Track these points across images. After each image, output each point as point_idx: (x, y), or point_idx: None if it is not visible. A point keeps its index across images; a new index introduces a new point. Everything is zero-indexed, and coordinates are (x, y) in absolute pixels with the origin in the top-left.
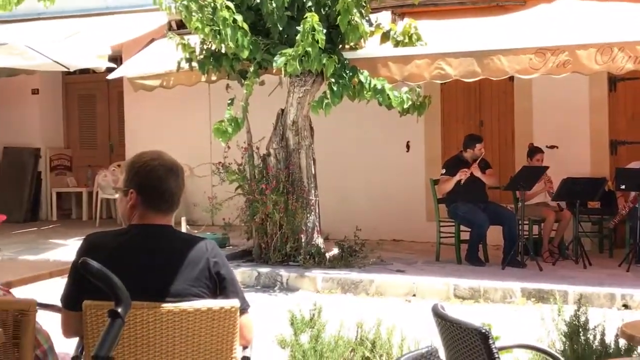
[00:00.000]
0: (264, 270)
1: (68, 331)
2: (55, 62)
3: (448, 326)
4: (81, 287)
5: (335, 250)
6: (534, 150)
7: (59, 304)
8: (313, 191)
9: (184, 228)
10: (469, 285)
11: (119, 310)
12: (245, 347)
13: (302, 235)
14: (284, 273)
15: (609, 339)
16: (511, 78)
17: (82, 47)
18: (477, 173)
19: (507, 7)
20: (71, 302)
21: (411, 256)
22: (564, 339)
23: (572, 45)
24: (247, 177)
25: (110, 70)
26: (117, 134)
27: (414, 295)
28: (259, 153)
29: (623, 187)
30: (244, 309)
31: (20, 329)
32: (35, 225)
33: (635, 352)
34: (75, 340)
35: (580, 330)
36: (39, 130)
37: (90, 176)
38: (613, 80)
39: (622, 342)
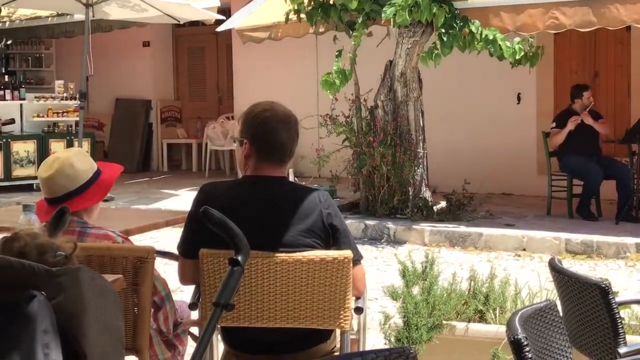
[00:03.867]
0: (371, 222)
1: (184, 278)
2: (166, 14)
3: (566, 280)
4: (198, 235)
5: (443, 204)
6: None
7: (176, 251)
8: (421, 144)
9: (291, 180)
10: (581, 240)
11: (239, 258)
12: (357, 298)
13: (409, 188)
14: (391, 226)
15: None
16: (628, 28)
17: None
18: (589, 120)
19: None
20: (188, 250)
21: (521, 210)
22: None
23: None
24: (354, 130)
25: (219, 22)
26: (226, 86)
27: (524, 249)
28: (366, 105)
29: None
30: (356, 260)
31: (139, 275)
32: (147, 175)
33: None
34: (191, 288)
35: None
36: (149, 82)
37: (199, 128)
38: None
39: None
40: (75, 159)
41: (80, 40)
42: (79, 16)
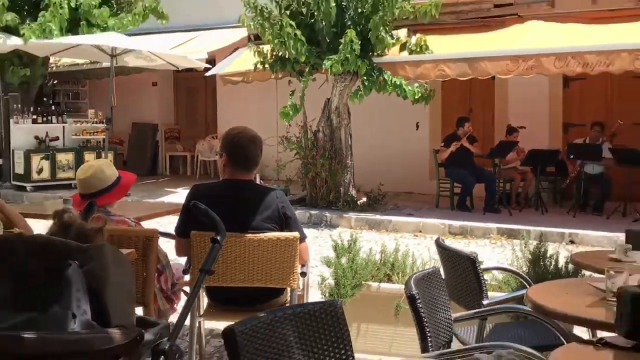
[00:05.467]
0: (314, 212)
1: (180, 252)
2: (169, 63)
3: (447, 253)
4: (189, 221)
5: (364, 199)
6: (512, 129)
7: (174, 232)
8: (349, 157)
9: (258, 181)
10: (460, 225)
11: (218, 238)
12: (302, 265)
13: (341, 188)
14: (328, 214)
15: (561, 265)
16: (493, 77)
17: (188, 52)
18: (466, 144)
19: (491, 25)
20: (182, 232)
21: (418, 204)
22: (528, 264)
23: (537, 54)
24: (302, 147)
25: (207, 69)
26: (212, 115)
27: (420, 231)
28: (311, 129)
29: (572, 156)
30: (302, 238)
31: (147, 250)
32: (154, 178)
33: (580, 274)
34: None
35: (540, 258)
36: (156, 111)
37: (192, 144)
38: (567, 80)
39: (571, 267)
40: (105, 167)
41: (107, 81)
42: (106, 64)
